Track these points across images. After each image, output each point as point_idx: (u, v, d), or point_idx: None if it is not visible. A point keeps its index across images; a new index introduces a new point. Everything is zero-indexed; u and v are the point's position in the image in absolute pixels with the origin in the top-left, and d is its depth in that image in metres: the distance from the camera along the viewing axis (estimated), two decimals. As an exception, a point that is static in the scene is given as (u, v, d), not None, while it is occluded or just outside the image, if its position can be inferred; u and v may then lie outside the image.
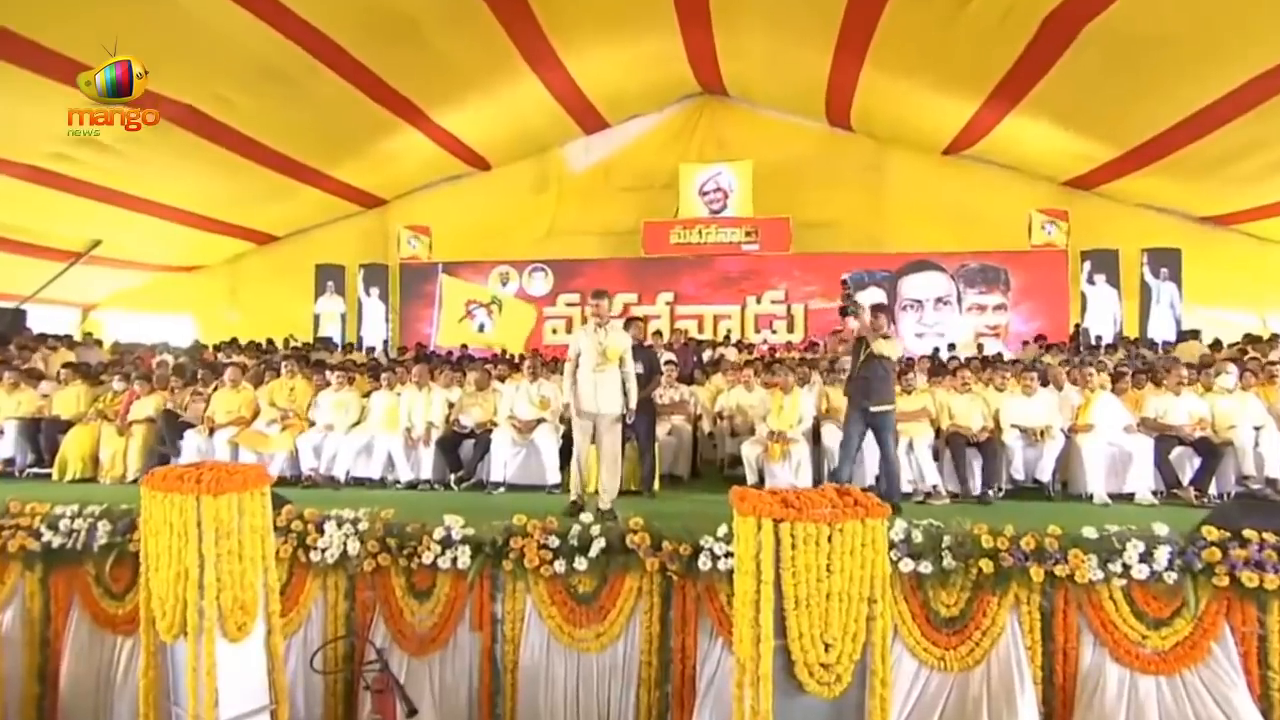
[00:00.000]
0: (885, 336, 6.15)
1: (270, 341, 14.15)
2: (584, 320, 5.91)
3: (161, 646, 4.13)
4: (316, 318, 16.76)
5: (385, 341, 16.37)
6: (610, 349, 5.82)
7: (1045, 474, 6.76)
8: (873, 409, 6.11)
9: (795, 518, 3.51)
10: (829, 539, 3.47)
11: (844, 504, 3.65)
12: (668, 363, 8.27)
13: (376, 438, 7.39)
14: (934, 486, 6.70)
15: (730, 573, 4.34)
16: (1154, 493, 6.61)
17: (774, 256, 15.96)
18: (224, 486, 3.99)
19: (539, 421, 7.24)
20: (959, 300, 15.45)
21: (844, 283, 6.09)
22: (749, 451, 7.01)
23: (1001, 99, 12.68)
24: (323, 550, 4.87)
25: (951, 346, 13.68)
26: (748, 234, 16.06)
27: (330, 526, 4.91)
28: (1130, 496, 6.62)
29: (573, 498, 6.00)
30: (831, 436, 7.02)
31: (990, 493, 6.66)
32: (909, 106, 14.16)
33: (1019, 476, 6.89)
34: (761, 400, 7.57)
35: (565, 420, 7.24)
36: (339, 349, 14.96)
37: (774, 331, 16.00)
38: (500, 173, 17.33)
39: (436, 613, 4.80)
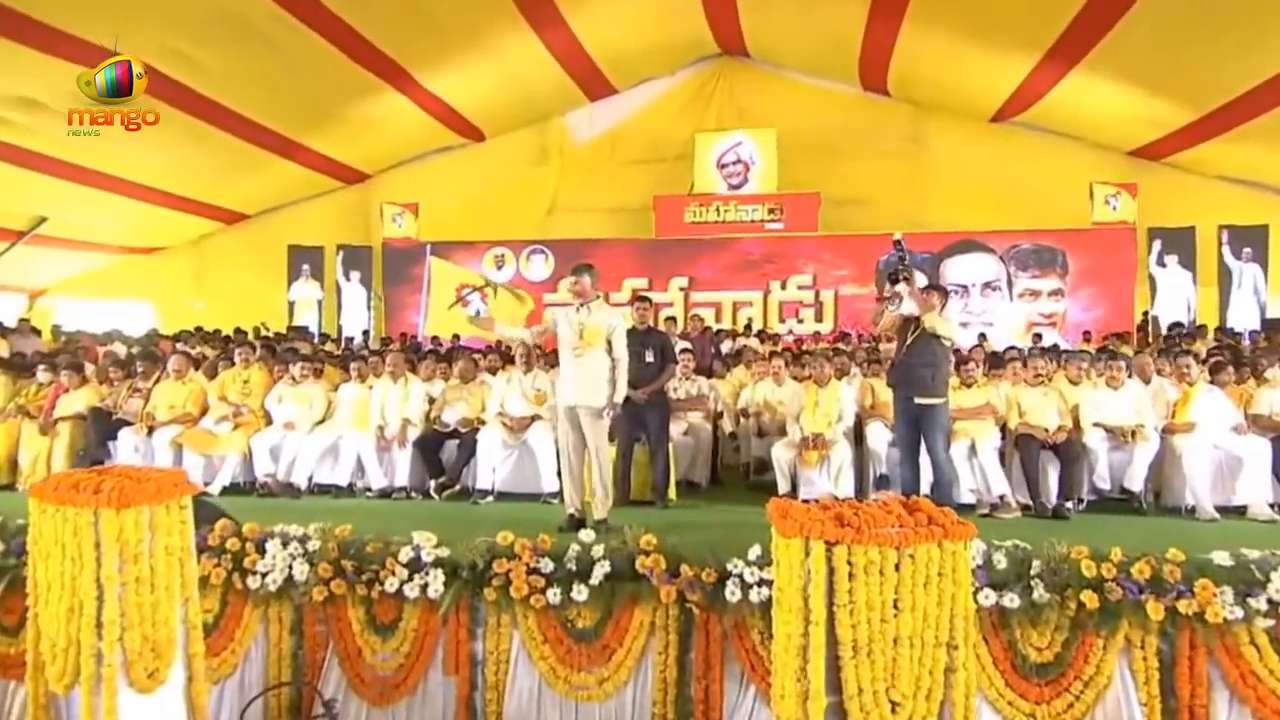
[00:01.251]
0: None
1: (239, 331, 13.87)
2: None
3: (53, 698, 3.60)
4: (291, 305, 16.65)
5: (367, 331, 16.22)
6: (589, 329, 5.43)
7: (1136, 482, 6.21)
8: (918, 401, 5.70)
9: (855, 540, 3.02)
10: (896, 567, 3.00)
11: (915, 522, 3.14)
12: (683, 351, 7.76)
13: (344, 438, 7.03)
14: (1001, 497, 6.19)
15: (765, 605, 3.95)
16: (1272, 505, 6.01)
17: (800, 237, 15.72)
18: (130, 497, 3.42)
19: (534, 419, 6.88)
20: (1009, 285, 15.08)
21: (896, 243, 5.55)
22: (780, 455, 6.60)
23: (1060, 57, 12.36)
24: (263, 575, 4.38)
25: (982, 337, 13.18)
26: (771, 212, 15.83)
27: (273, 546, 4.42)
28: (1242, 510, 6.05)
29: (569, 510, 5.60)
30: (877, 437, 6.65)
31: (1069, 505, 6.15)
32: (953, 68, 13.93)
33: (1103, 485, 6.34)
34: (793, 395, 7.10)
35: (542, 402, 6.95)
36: (315, 339, 14.75)
37: (800, 321, 15.75)
38: (495, 144, 17.25)
39: (402, 652, 4.34)
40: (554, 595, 4.20)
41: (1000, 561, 3.97)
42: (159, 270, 17.29)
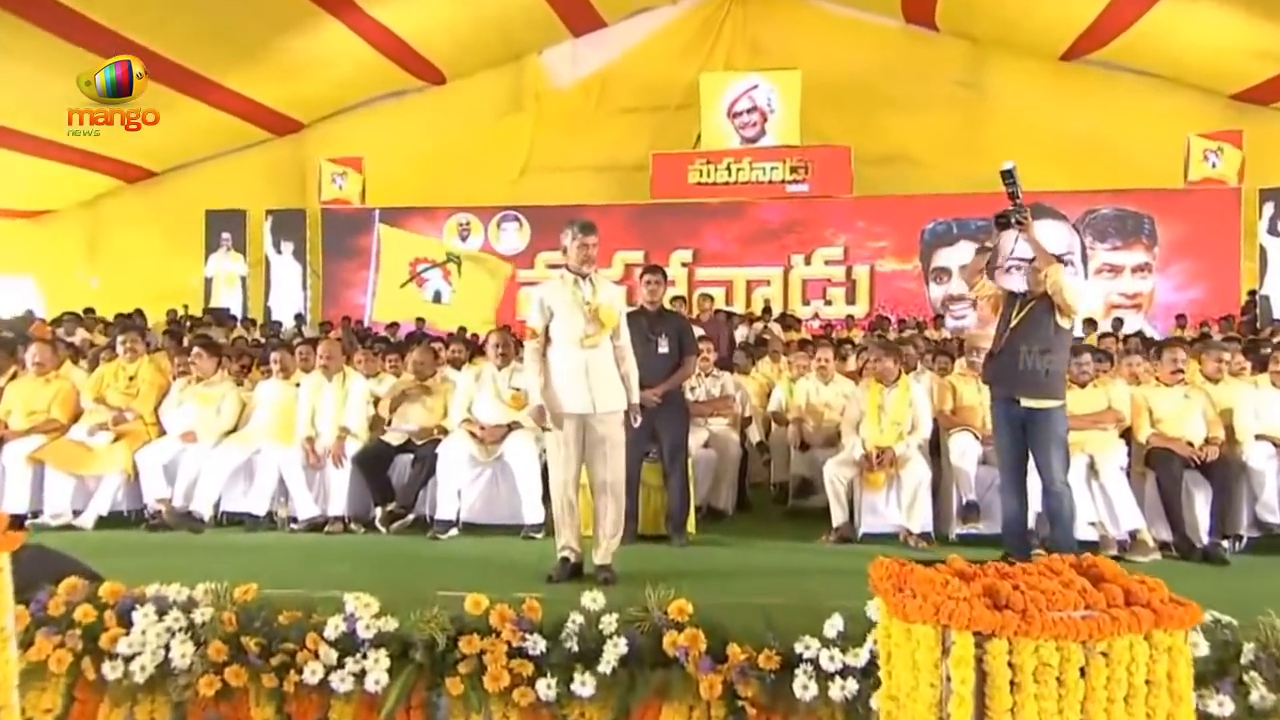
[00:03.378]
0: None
1: (140, 314, 13.53)
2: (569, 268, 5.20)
3: None
4: (208, 282, 16.64)
5: (301, 315, 16.17)
6: (604, 309, 5.04)
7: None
8: (1026, 404, 5.23)
9: (1021, 630, 2.48)
10: (1083, 672, 2.48)
11: (1106, 599, 2.59)
12: (702, 339, 7.30)
13: (262, 452, 6.74)
14: (1132, 534, 5.71)
15: (860, 704, 3.41)
16: None
17: (829, 201, 15.77)
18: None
19: (511, 428, 6.51)
20: (1084, 259, 15.00)
21: (1006, 173, 5.19)
22: (836, 475, 6.11)
23: (1149, -22, 12.57)
24: (127, 660, 3.71)
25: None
26: (794, 171, 15.78)
27: (143, 616, 3.77)
28: None
29: (561, 553, 5.13)
30: (963, 452, 6.13)
31: (1226, 544, 5.68)
32: (1016, -5, 14.11)
33: (1271, 518, 5.82)
34: (850, 398, 6.65)
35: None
36: (238, 324, 14.74)
37: (828, 302, 15.95)
38: (458, 88, 17.20)
39: (330, 771, 3.73)
40: (547, 688, 3.61)
41: (1200, 645, 3.26)
42: (42, 238, 17.14)
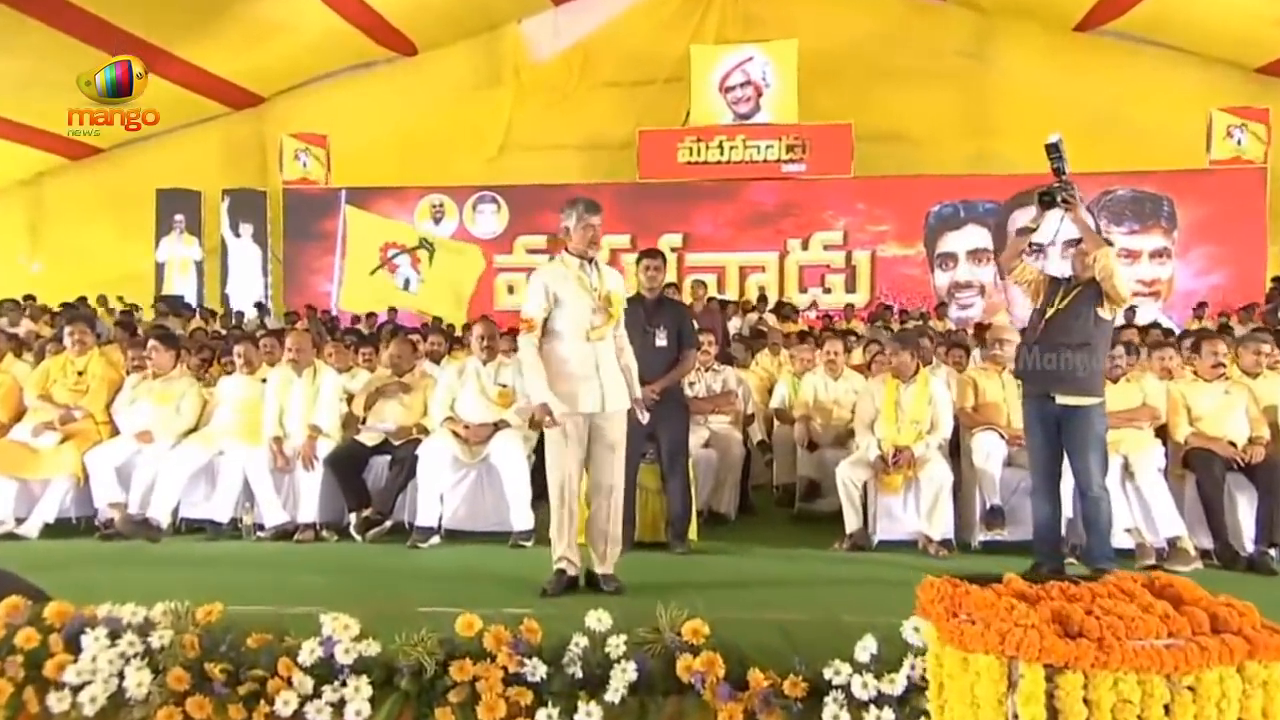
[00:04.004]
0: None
1: (84, 301, 13.51)
2: (555, 253, 5.25)
3: None
4: (160, 268, 16.56)
5: (262, 304, 16.02)
6: (614, 296, 5.01)
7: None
8: (1061, 400, 5.12)
9: (1100, 662, 2.39)
10: (1167, 710, 2.38)
11: (1189, 625, 2.50)
12: (700, 330, 7.31)
13: (225, 453, 6.63)
14: (1171, 541, 5.61)
15: None
16: None
17: (828, 182, 15.72)
18: None
19: (498, 427, 6.43)
20: None
21: (1052, 146, 5.12)
22: (849, 477, 6.01)
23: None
24: (76, 690, 3.61)
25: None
26: (790, 150, 15.71)
27: (94, 641, 3.67)
28: None
29: (558, 564, 4.99)
30: (988, 452, 6.01)
31: (1273, 553, 5.60)
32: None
33: None
34: (864, 393, 6.57)
35: (537, 425, 6.49)
36: (193, 314, 14.62)
37: (827, 290, 15.88)
38: (430, 59, 17.14)
39: (305, 814, 3.66)
40: (548, 719, 3.53)
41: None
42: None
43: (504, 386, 6.57)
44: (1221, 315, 12.96)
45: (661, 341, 5.91)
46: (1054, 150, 5.04)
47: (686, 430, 6.09)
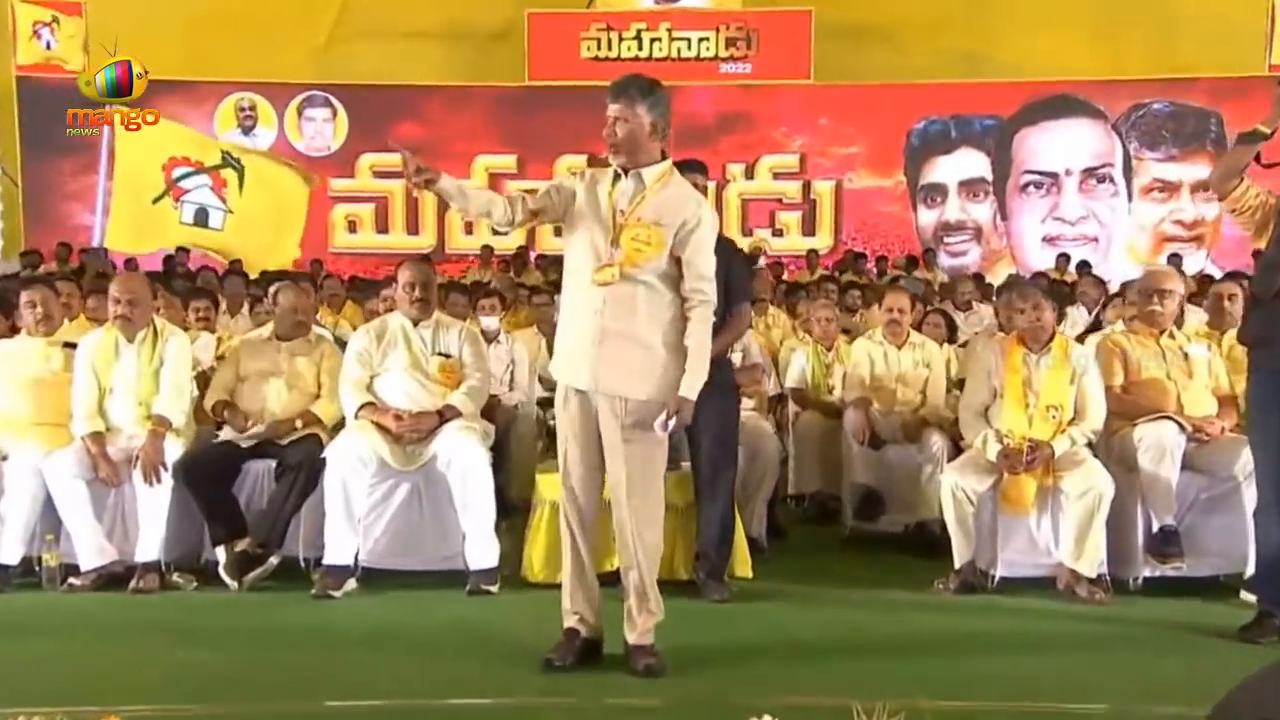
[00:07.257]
0: None
1: None
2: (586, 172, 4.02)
3: None
4: None
5: None
6: (648, 226, 4.01)
7: None
8: None
9: None
10: None
11: None
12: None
13: (9, 459, 5.35)
14: None
15: None
16: None
17: (781, 89, 14.19)
18: None
19: (443, 417, 5.28)
20: (1127, 172, 14.07)
21: None
22: (962, 486, 4.80)
23: None
24: None
25: (1064, 258, 12.13)
26: (732, 44, 14.07)
27: None
28: None
29: (568, 621, 3.96)
30: (1160, 452, 4.83)
31: None
32: None
33: None
34: (977, 366, 5.36)
35: (509, 416, 6.03)
36: None
37: (778, 232, 14.06)
38: None
39: None
40: None
41: None
42: None
43: (447, 357, 5.37)
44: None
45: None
46: None
47: (736, 423, 4.85)
